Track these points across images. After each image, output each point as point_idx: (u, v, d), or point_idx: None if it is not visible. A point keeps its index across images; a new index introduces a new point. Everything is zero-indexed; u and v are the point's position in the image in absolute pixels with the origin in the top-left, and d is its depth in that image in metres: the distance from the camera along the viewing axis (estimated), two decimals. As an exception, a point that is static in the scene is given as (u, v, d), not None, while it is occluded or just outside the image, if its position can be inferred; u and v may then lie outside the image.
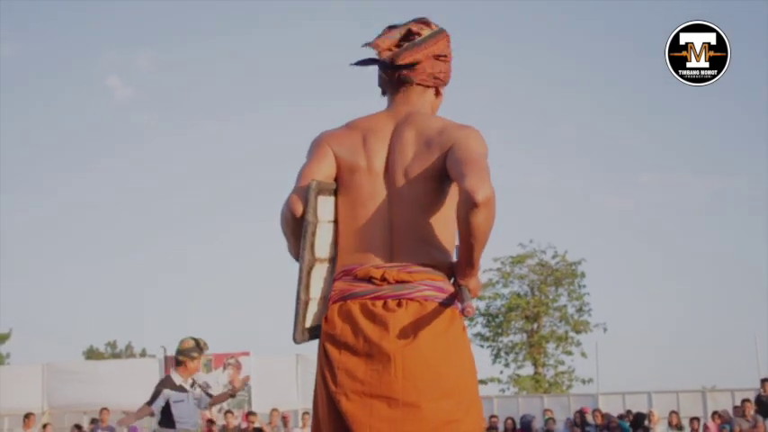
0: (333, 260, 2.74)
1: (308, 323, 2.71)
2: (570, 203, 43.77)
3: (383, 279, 2.59)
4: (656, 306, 44.82)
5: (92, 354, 45.30)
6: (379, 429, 2.47)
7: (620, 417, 16.49)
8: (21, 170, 50.44)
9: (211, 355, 19.00)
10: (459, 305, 2.67)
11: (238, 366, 18.98)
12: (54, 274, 54.87)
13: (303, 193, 2.60)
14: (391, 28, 2.83)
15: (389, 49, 2.77)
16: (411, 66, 2.76)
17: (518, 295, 30.39)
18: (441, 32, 2.82)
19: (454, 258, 2.69)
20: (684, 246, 42.96)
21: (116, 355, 45.94)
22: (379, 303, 2.58)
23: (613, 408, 17.97)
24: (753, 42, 34.95)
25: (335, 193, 2.74)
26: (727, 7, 37.43)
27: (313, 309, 2.71)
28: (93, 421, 16.77)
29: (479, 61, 39.61)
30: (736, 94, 39.51)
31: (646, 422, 15.96)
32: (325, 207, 2.69)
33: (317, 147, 2.75)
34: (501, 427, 16.54)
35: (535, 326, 30.22)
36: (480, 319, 30.82)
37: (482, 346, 30.65)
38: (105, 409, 16.62)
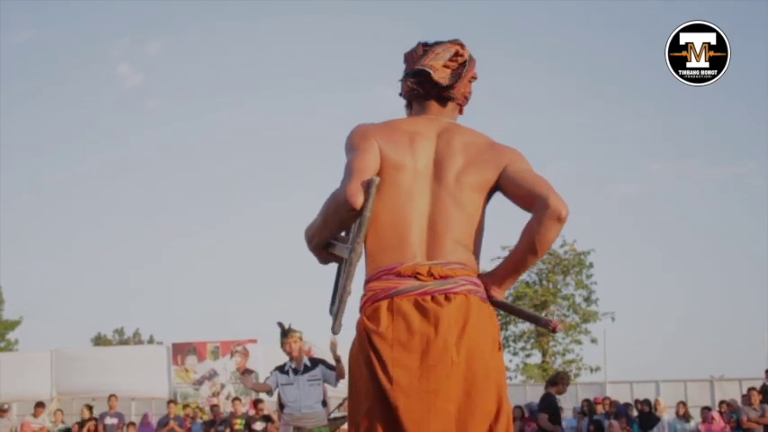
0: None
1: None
2: (579, 192, 43.70)
3: (429, 274, 2.65)
4: (664, 295, 44.81)
5: (100, 340, 45.44)
6: (437, 423, 2.54)
7: (627, 405, 16.48)
8: (30, 158, 50.58)
9: (219, 342, 19.05)
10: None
11: (246, 354, 19.00)
12: (62, 262, 55.05)
13: (366, 186, 2.61)
14: (425, 45, 2.95)
15: (441, 70, 2.88)
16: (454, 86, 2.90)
17: (526, 284, 30.33)
18: (473, 58, 2.95)
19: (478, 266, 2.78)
20: (693, 235, 42.92)
21: (124, 342, 46.07)
22: (428, 298, 2.63)
23: (621, 396, 17.95)
24: (753, 42, 34.85)
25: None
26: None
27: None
28: (89, 409, 16.76)
29: (491, 54, 39.59)
30: (742, 89, 39.34)
31: (652, 410, 15.96)
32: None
33: (363, 139, 2.77)
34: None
35: (543, 314, 30.18)
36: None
37: (490, 335, 30.62)
38: (113, 395, 16.66)
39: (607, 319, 29.82)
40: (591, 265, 29.99)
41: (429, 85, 2.90)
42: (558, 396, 10.94)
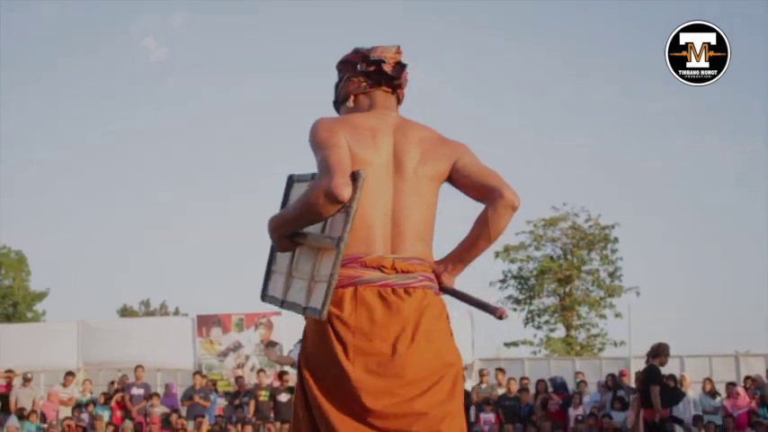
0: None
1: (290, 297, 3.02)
2: (605, 166, 43.47)
3: (393, 268, 2.84)
4: (689, 270, 44.54)
5: (126, 312, 45.74)
6: (391, 405, 2.73)
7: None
8: (56, 133, 50.86)
9: (243, 314, 19.12)
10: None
11: (270, 326, 19.06)
12: (89, 234, 55.43)
13: (353, 179, 2.73)
14: (361, 50, 3.12)
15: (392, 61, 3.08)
16: (402, 78, 3.11)
17: (550, 258, 30.22)
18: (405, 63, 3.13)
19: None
20: (719, 210, 42.59)
21: (149, 314, 46.35)
22: (390, 291, 2.83)
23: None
24: (753, 42, 34.48)
25: None
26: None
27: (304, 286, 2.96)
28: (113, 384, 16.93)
29: (513, 30, 39.53)
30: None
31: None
32: None
33: (332, 134, 2.86)
34: (532, 389, 16.52)
35: (567, 289, 30.09)
36: (512, 282, 30.74)
37: (515, 309, 30.59)
38: (140, 366, 16.80)
39: (632, 293, 29.68)
40: (615, 240, 29.82)
41: (378, 75, 3.06)
42: (660, 368, 10.36)
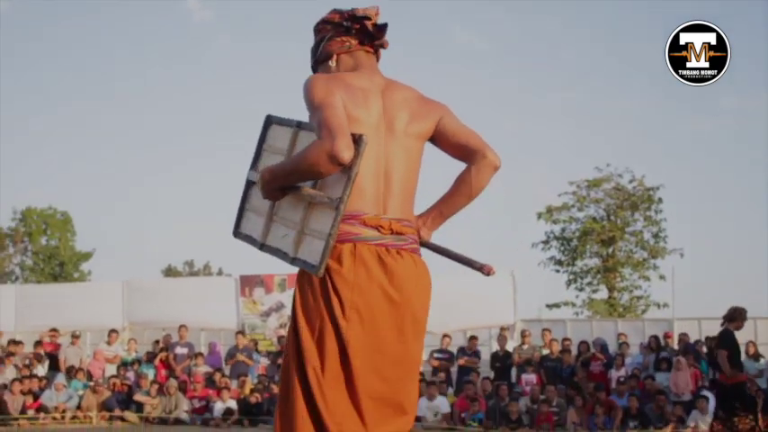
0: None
1: (277, 244, 3.04)
2: (649, 127, 42.95)
3: (389, 229, 2.93)
4: (733, 232, 44.07)
5: (170, 273, 46.20)
6: (380, 361, 2.88)
7: (696, 342, 16.29)
8: (99, 95, 51.22)
9: (285, 275, 19.20)
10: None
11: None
12: (135, 195, 55.97)
13: (355, 143, 2.76)
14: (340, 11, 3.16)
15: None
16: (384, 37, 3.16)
17: (593, 219, 29.97)
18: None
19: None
20: (764, 170, 41.96)
21: (193, 274, 46.76)
22: (384, 250, 2.92)
23: (689, 333, 17.74)
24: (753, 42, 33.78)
25: None
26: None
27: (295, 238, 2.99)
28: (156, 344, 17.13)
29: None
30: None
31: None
32: None
33: (329, 94, 2.88)
34: (574, 350, 16.46)
35: (610, 250, 29.86)
36: (555, 243, 30.57)
37: (557, 271, 30.47)
38: (184, 326, 16.97)
39: (676, 255, 29.40)
40: (660, 201, 29.49)
41: (362, 34, 3.11)
42: (735, 332, 9.87)
